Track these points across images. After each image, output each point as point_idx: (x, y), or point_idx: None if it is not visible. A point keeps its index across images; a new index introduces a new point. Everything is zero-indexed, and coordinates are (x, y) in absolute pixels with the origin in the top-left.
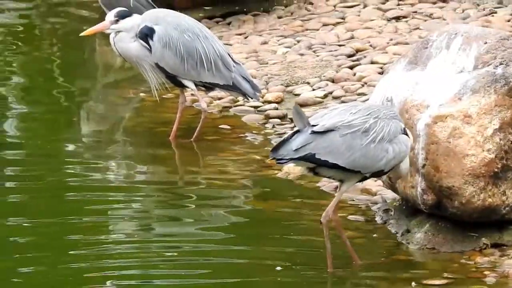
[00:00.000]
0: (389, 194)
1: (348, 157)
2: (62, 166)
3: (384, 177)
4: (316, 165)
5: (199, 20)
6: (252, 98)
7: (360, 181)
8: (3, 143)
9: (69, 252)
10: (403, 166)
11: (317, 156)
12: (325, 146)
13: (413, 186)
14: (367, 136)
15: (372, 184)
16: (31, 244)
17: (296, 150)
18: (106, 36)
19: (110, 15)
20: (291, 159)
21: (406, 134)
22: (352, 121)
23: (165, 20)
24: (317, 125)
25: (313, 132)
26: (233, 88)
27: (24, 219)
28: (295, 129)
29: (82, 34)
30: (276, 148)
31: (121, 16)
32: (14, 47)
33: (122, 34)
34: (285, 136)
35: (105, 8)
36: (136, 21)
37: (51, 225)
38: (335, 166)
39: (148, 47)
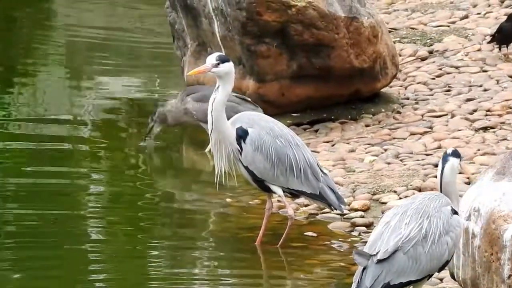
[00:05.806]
0: None
1: (417, 268)
2: (145, 266)
3: (469, 281)
4: None
5: (287, 126)
6: (336, 210)
7: (429, 278)
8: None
9: None
10: None
11: (392, 283)
12: (395, 271)
13: None
14: (426, 241)
15: None
16: None
17: (371, 287)
18: (193, 139)
19: (212, 58)
20: None
21: (455, 212)
22: (410, 234)
23: (259, 124)
24: (377, 252)
25: (379, 261)
26: (319, 197)
27: None
28: (360, 268)
29: (189, 73)
30: None
31: (222, 60)
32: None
33: (222, 116)
34: (355, 278)
35: (202, 124)
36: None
37: None
38: (409, 283)
39: (239, 149)
